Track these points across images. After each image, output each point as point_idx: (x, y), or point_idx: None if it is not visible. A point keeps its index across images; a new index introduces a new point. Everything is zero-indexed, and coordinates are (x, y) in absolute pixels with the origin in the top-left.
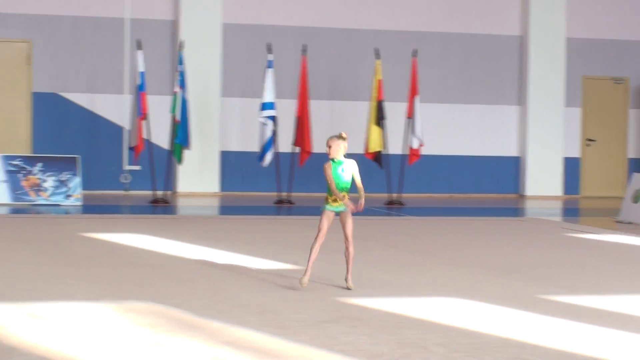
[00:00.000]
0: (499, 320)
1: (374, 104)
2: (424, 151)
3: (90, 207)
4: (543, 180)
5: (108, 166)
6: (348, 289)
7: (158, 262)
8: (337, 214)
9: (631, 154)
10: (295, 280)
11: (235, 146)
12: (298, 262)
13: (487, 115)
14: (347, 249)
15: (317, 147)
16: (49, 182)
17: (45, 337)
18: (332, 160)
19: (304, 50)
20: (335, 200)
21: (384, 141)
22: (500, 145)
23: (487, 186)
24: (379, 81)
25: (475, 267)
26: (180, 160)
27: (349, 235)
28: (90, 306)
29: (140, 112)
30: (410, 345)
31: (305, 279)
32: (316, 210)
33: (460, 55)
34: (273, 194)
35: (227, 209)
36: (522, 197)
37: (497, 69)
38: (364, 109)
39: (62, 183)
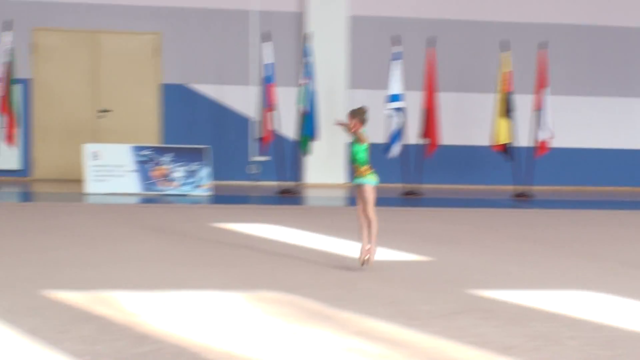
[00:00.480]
0: (631, 314)
1: (502, 96)
2: (552, 144)
3: (218, 198)
4: None
5: (236, 157)
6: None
7: (287, 252)
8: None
9: None
10: (425, 272)
11: None
12: (425, 253)
13: (617, 108)
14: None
15: (445, 138)
16: (179, 173)
17: (177, 326)
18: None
19: (431, 42)
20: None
21: (512, 133)
22: (631, 137)
23: (617, 179)
24: (507, 73)
25: (606, 260)
26: (306, 152)
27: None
28: (222, 295)
29: (267, 104)
30: (541, 338)
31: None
32: (444, 202)
33: (589, 47)
34: (400, 186)
35: (353, 200)
36: None
37: (627, 61)
38: (491, 101)
39: (191, 173)
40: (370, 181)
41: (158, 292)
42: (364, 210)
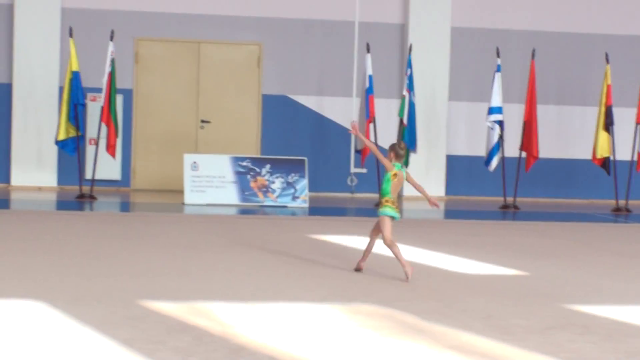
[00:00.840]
0: None
1: (603, 109)
2: None
3: (316, 209)
4: None
5: (335, 168)
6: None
7: (383, 264)
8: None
9: None
10: (521, 287)
11: (461, 150)
12: (522, 267)
13: None
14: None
15: (544, 151)
16: (277, 184)
17: (273, 337)
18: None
19: (533, 55)
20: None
21: (612, 147)
22: None
23: None
24: (608, 86)
25: None
26: (406, 164)
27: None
28: (317, 307)
29: (368, 115)
30: (638, 355)
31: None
32: (542, 216)
33: None
34: (499, 199)
35: (452, 213)
36: None
37: None
38: (593, 114)
39: (290, 185)
40: (385, 212)
41: (254, 303)
42: (374, 232)
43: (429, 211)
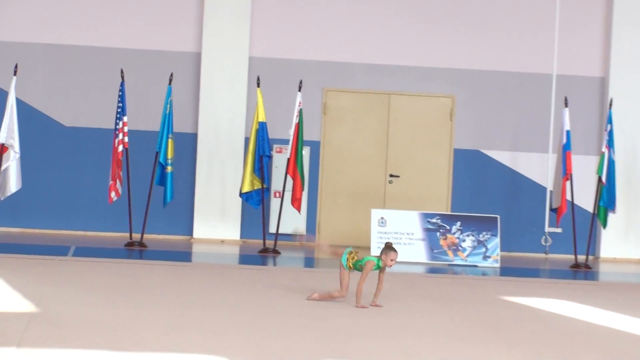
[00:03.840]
0: None
1: None
2: None
3: (508, 270)
4: None
5: (528, 227)
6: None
7: (578, 329)
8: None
9: None
10: None
11: None
12: None
13: None
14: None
15: None
16: (467, 242)
17: None
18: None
19: None
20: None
21: None
22: None
23: None
24: None
25: None
26: (605, 224)
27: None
28: None
29: (564, 172)
30: None
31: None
32: None
33: None
34: None
35: None
36: None
37: None
38: None
39: (481, 243)
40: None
41: None
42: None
43: (629, 274)
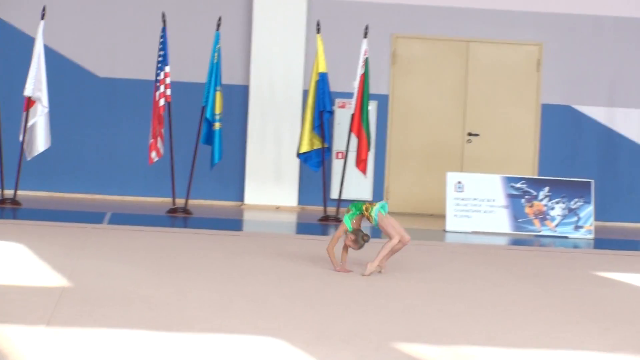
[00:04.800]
0: None
1: None
2: None
3: (603, 242)
4: None
5: (625, 194)
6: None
7: None
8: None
9: None
10: None
11: None
12: None
13: None
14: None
15: None
16: (557, 210)
17: None
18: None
19: None
20: None
21: None
22: None
23: None
24: None
25: None
26: None
27: None
28: (603, 357)
29: None
30: None
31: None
32: None
33: None
34: None
35: None
36: None
37: None
38: None
39: (572, 212)
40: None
41: (526, 350)
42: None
43: None
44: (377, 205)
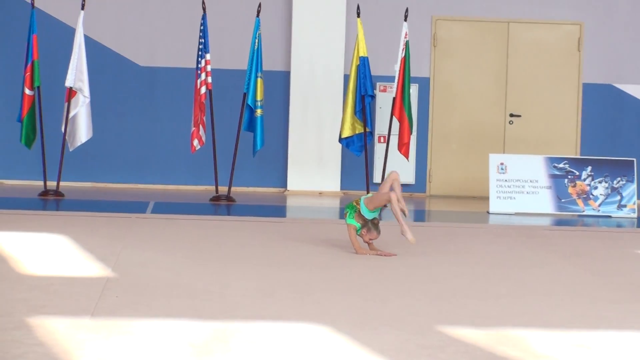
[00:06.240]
0: None
1: None
2: None
3: None
4: None
5: None
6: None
7: None
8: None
9: None
10: None
11: None
12: None
13: None
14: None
15: None
16: (599, 190)
17: None
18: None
19: None
20: None
21: None
22: None
23: None
24: None
25: None
26: None
27: None
28: None
29: None
30: None
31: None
32: None
33: None
34: None
35: None
36: None
37: None
38: None
39: (615, 191)
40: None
41: (572, 331)
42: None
43: None
44: (361, 197)
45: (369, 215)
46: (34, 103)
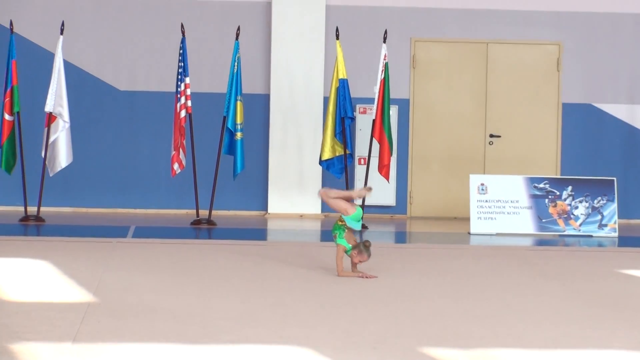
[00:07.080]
0: None
1: None
2: None
3: (627, 240)
4: None
5: None
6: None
7: None
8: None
9: None
10: None
11: None
12: None
13: None
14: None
15: None
16: (580, 209)
17: None
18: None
19: None
20: None
21: None
22: None
23: None
24: None
25: None
26: None
27: None
28: (629, 356)
29: None
30: None
31: None
32: None
33: None
34: None
35: None
36: None
37: None
38: None
39: (596, 210)
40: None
41: (553, 350)
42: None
43: None
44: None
45: (356, 226)
46: (13, 128)
